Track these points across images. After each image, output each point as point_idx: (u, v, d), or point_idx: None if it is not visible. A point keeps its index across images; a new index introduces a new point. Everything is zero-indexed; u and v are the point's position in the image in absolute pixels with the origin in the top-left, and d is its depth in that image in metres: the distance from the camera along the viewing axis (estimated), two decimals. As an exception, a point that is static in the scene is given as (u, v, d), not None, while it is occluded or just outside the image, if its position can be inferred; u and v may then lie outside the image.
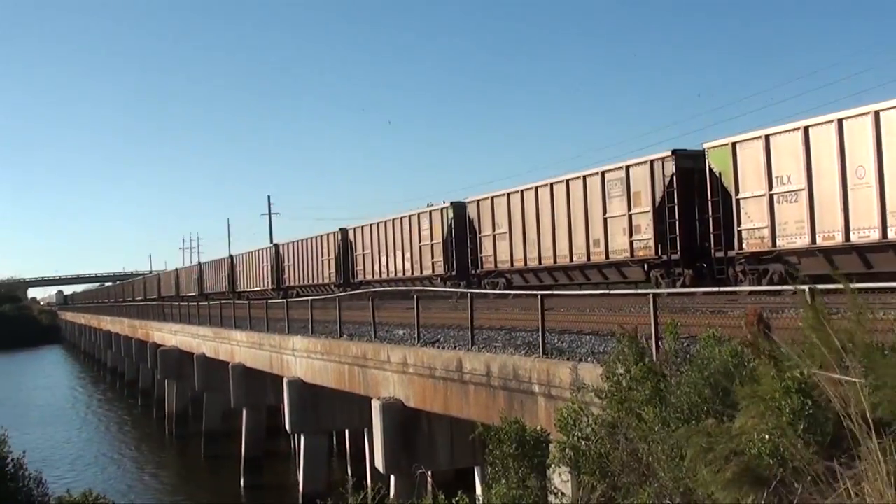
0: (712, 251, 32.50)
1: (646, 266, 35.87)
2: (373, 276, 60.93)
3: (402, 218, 57.54)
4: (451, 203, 52.27)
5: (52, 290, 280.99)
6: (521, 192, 44.19)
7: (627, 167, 36.57)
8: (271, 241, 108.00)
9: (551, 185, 41.65)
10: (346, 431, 44.00)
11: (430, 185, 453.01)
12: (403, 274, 56.62)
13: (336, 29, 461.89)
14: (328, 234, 69.59)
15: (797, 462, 9.10)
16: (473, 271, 48.96)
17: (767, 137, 29.85)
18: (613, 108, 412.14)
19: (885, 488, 8.31)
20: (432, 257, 53.36)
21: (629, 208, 36.25)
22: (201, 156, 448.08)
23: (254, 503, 45.41)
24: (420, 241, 54.70)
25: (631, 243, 36.21)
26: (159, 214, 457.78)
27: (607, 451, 12.98)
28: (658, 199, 34.78)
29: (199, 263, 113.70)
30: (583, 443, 13.50)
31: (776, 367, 9.95)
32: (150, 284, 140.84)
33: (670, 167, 34.43)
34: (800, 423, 9.23)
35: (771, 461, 9.24)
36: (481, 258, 47.96)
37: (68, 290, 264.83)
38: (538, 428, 15.33)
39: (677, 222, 34.11)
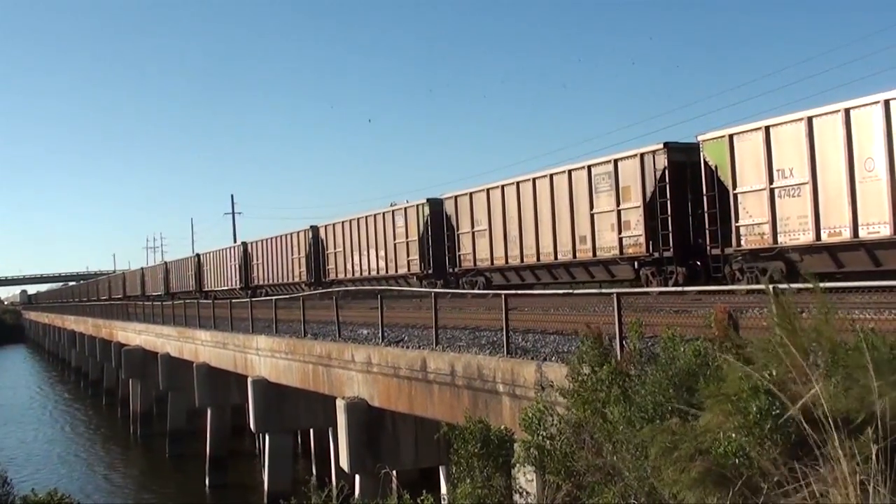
0: (708, 248, 31.27)
1: (636, 264, 34.58)
2: (345, 275, 59.67)
3: (375, 215, 56.17)
4: (428, 199, 50.78)
5: (15, 290, 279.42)
6: (502, 187, 42.81)
7: (616, 161, 35.21)
8: (234, 241, 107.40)
9: (534, 179, 40.38)
10: (311, 431, 43.89)
11: (401, 183, 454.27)
12: (378, 273, 55.28)
13: (302, 24, 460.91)
14: (298, 232, 67.95)
15: (763, 462, 9.06)
16: (451, 270, 47.59)
17: (767, 129, 28.71)
18: (584, 105, 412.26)
19: (850, 490, 8.29)
20: (408, 255, 51.92)
21: (618, 203, 34.93)
22: (164, 155, 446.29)
23: (219, 502, 45.22)
24: (395, 239, 53.27)
25: (620, 240, 34.88)
26: (123, 214, 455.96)
27: (572, 451, 12.94)
28: (649, 193, 33.46)
29: (165, 262, 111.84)
30: (548, 442, 13.45)
31: (744, 366, 9.92)
32: (115, 283, 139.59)
33: (662, 161, 33.06)
34: (766, 423, 9.19)
35: (737, 461, 9.20)
36: (459, 256, 46.61)
37: (32, 289, 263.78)
38: (503, 427, 15.29)
39: (670, 218, 32.78)
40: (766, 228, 28.82)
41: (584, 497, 12.34)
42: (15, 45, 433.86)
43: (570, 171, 37.85)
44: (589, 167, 36.62)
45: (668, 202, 32.80)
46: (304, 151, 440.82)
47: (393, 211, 54.14)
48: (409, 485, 20.92)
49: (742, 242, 29.76)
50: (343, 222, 60.94)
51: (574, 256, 37.58)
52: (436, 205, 49.81)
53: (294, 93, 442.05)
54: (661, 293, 24.81)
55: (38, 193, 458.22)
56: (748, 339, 10.82)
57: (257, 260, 76.61)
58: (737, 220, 29.86)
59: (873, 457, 8.29)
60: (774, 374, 9.41)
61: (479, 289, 42.59)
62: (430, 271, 49.63)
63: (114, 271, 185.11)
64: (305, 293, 43.47)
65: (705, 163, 31.11)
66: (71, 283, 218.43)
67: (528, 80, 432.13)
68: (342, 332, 29.87)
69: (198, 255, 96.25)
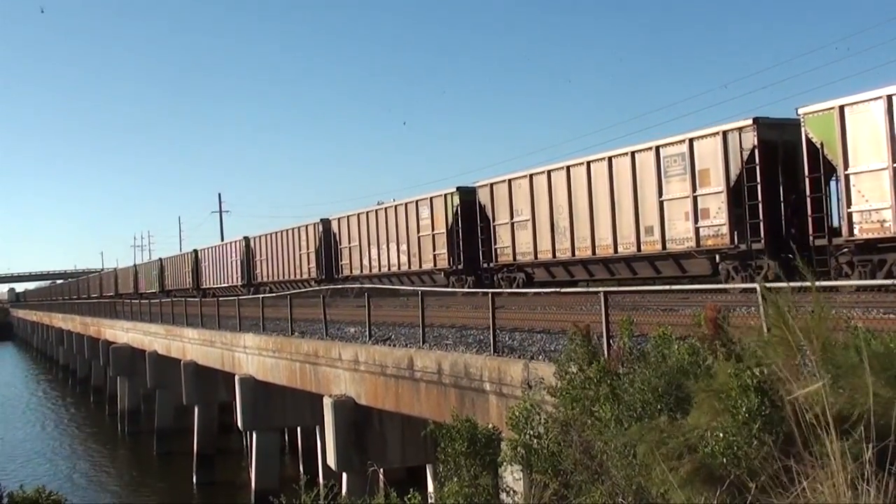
0: (811, 239, 26.82)
1: (717, 257, 30.69)
2: (361, 271, 55.98)
3: (396, 206, 52.26)
4: (458, 188, 46.63)
5: (3, 288, 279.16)
6: (548, 172, 38.49)
7: (691, 140, 31.22)
8: (222, 239, 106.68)
9: (588, 163, 36.13)
10: (299, 429, 43.70)
11: (392, 182, 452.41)
12: (399, 268, 51.68)
13: (294, 15, 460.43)
14: (307, 226, 64.60)
15: (752, 461, 9.02)
16: (486, 265, 43.45)
17: (890, 98, 24.73)
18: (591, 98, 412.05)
19: (841, 489, 8.24)
20: (434, 249, 47.98)
21: (694, 189, 31.00)
22: (151, 153, 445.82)
23: (206, 500, 45.14)
24: (419, 232, 49.27)
25: (696, 230, 30.95)
26: (110, 213, 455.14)
27: (560, 450, 12.90)
28: (734, 177, 29.51)
29: (160, 259, 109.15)
30: (535, 441, 13.42)
31: (735, 363, 9.87)
32: (107, 281, 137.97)
33: (750, 139, 28.95)
34: (755, 422, 9.13)
35: (725, 460, 9.16)
36: (496, 250, 42.24)
37: (20, 287, 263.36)
38: (490, 426, 15.28)
39: (761, 204, 28.65)
40: (888, 214, 24.94)
41: (572, 496, 12.30)
42: (2, 42, 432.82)
43: (633, 153, 33.92)
44: (657, 148, 32.72)
45: (759, 186, 28.78)
46: (292, 150, 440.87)
47: (416, 201, 50.25)
48: (396, 483, 20.96)
49: (855, 231, 25.80)
50: (359, 214, 57.06)
51: (638, 249, 33.73)
52: (467, 193, 45.81)
53: (284, 90, 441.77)
54: (650, 292, 23.12)
55: (26, 192, 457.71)
56: (739, 338, 10.74)
57: (261, 256, 73.55)
58: (849, 205, 25.92)
59: (865, 456, 8.24)
60: (765, 372, 9.35)
61: (517, 286, 39.69)
62: (460, 266, 46.04)
63: (102, 269, 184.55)
64: (294, 291, 43.29)
65: (808, 140, 27.02)
66: (59, 281, 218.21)
67: (521, 76, 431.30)
68: (329, 331, 29.80)
69: (195, 251, 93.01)
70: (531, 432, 13.59)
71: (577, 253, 36.85)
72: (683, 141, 31.54)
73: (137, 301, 73.59)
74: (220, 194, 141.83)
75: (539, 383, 15.10)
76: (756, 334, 10.22)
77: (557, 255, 38.02)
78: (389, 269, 52.73)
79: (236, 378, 36.57)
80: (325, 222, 62.34)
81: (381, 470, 24.40)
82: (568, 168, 37.34)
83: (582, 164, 36.50)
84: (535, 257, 39.42)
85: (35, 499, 22.49)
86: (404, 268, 51.17)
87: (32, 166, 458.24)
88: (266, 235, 72.98)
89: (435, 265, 48.09)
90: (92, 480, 50.02)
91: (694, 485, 9.34)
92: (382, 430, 26.57)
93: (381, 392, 24.24)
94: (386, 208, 53.65)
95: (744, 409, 9.19)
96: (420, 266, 49.50)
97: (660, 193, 32.47)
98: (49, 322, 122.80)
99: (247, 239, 77.12)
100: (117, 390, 68.03)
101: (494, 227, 42.47)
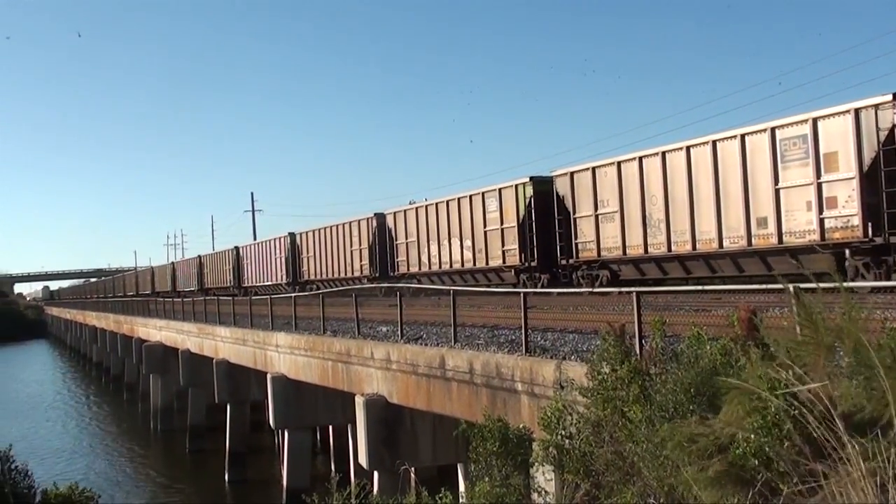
0: None
1: (847, 251, 26.82)
2: (419, 269, 52.17)
3: (460, 198, 47.99)
4: (531, 177, 42.10)
5: (38, 286, 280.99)
6: (639, 158, 34.85)
7: (814, 120, 27.53)
8: (254, 238, 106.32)
9: (687, 147, 32.51)
10: (330, 427, 43.82)
11: (417, 181, 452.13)
12: (462, 265, 47.61)
13: (315, 24, 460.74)
14: (360, 221, 60.70)
15: (783, 464, 8.97)
16: (564, 261, 39.19)
17: None
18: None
19: (867, 490, 8.19)
20: (503, 245, 43.67)
21: (818, 175, 27.26)
22: (185, 152, 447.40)
23: (238, 498, 45.35)
24: (486, 226, 45.01)
25: (821, 222, 27.28)
26: (143, 212, 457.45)
27: (591, 450, 12.89)
28: (867, 161, 25.88)
29: (199, 256, 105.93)
30: (566, 441, 13.41)
31: (767, 363, 9.82)
32: (143, 279, 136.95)
33: (889, 117, 25.38)
34: (786, 423, 9.09)
35: (756, 461, 9.12)
36: (577, 245, 38.09)
37: (54, 285, 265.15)
38: (521, 426, 15.27)
39: None
40: None
41: (603, 496, 12.31)
42: (32, 39, 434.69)
43: (742, 136, 30.29)
44: (772, 130, 28.98)
45: None
46: (324, 150, 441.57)
47: (483, 193, 45.98)
48: (427, 482, 20.91)
49: None
50: (417, 208, 53.14)
51: (749, 244, 30.05)
52: (542, 184, 41.42)
53: (315, 89, 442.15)
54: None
55: (60, 192, 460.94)
56: (771, 338, 10.64)
57: (308, 252, 70.07)
58: None
59: (888, 458, 8.18)
60: (796, 372, 9.29)
61: (600, 284, 36.10)
62: (534, 263, 41.60)
63: (135, 267, 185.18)
64: (326, 290, 43.22)
65: None
66: (92, 280, 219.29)
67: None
68: (362, 330, 29.82)
69: (237, 248, 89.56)
70: (563, 432, 13.60)
71: (673, 248, 33.30)
72: (805, 121, 28.02)
73: (171, 300, 73.71)
74: (252, 193, 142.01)
75: (571, 383, 15.09)
76: (789, 335, 10.15)
77: (650, 250, 34.37)
78: (451, 266, 48.95)
79: (268, 376, 36.73)
80: (380, 217, 58.67)
81: (413, 469, 24.41)
82: (663, 154, 33.76)
83: (680, 149, 32.99)
84: (624, 253, 35.73)
85: (68, 495, 22.66)
86: (468, 265, 47.23)
87: (67, 166, 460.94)
88: (314, 231, 69.72)
89: (504, 262, 44.16)
90: (124, 477, 50.33)
91: (724, 486, 9.31)
92: (414, 429, 26.61)
93: (413, 391, 24.28)
94: (448, 201, 49.62)
95: (773, 410, 9.14)
96: (486, 263, 45.56)
97: (775, 180, 28.88)
98: (83, 320, 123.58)
99: (292, 235, 73.68)
100: (150, 388, 68.52)
101: (575, 219, 38.48)
